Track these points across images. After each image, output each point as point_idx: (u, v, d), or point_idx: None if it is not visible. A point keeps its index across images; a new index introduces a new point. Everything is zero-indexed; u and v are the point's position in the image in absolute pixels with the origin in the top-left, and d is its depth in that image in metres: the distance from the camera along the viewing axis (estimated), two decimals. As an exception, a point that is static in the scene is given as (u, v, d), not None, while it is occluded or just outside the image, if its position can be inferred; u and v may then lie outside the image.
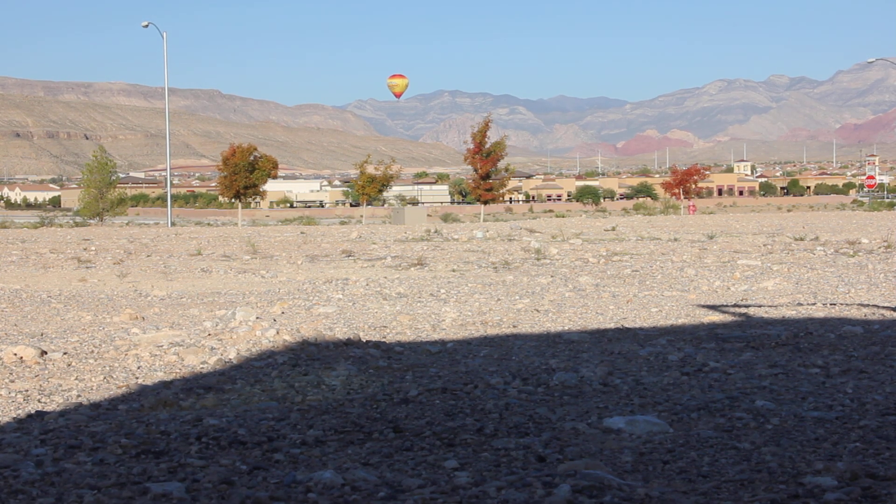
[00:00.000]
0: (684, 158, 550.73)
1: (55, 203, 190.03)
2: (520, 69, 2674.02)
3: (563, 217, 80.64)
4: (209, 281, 21.87)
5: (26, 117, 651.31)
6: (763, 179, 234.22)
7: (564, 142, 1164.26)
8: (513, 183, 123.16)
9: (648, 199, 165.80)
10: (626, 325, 11.65)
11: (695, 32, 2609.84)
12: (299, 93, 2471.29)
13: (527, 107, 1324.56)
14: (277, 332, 9.39)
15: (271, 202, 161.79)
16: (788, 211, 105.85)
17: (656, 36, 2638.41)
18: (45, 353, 8.50)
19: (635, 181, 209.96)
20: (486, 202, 76.79)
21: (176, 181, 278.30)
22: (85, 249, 34.03)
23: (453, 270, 24.02)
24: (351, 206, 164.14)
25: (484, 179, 74.48)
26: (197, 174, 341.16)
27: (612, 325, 11.71)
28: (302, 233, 48.05)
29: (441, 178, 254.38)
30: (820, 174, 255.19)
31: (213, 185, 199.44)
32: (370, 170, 78.39)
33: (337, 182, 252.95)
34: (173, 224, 65.56)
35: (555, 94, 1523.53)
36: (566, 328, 11.51)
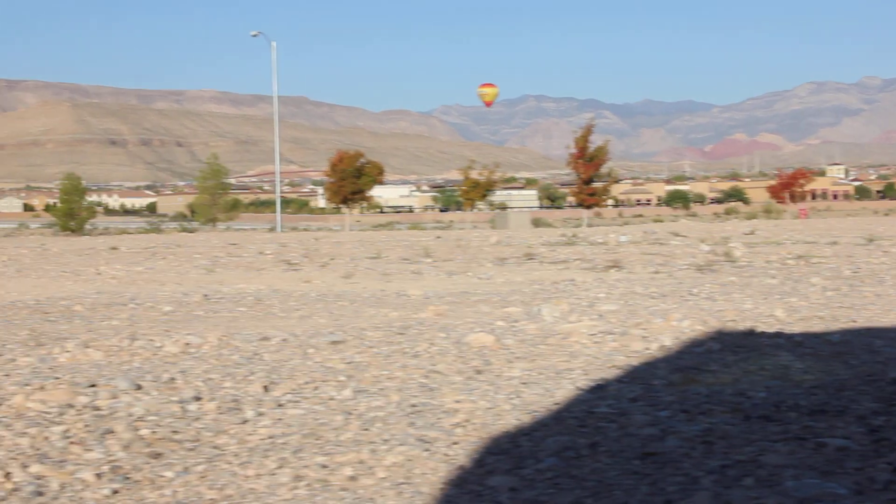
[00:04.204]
0: (774, 162, 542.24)
1: (151, 209, 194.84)
2: (605, 73, 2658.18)
3: (661, 221, 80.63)
4: (433, 281, 22.79)
5: (121, 125, 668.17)
6: (858, 183, 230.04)
7: (651, 146, 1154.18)
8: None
9: (740, 203, 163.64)
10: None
11: (783, 34, 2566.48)
12: (385, 98, 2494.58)
13: (612, 111, 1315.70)
14: (690, 323, 10.27)
15: (361, 207, 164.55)
16: (885, 215, 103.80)
17: (744, 38, 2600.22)
18: (499, 338, 9.50)
19: (725, 185, 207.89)
20: (589, 206, 77.31)
21: (266, 187, 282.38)
22: (260, 253, 35.47)
23: (656, 272, 24.62)
24: (440, 211, 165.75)
25: (586, 184, 75.08)
26: (286, 180, 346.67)
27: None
28: (438, 237, 49.02)
29: (529, 183, 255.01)
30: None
31: (305, 190, 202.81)
32: (474, 175, 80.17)
33: (425, 187, 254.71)
34: (268, 230, 67.04)
35: (640, 97, 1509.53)
36: (907, 323, 12.06)
